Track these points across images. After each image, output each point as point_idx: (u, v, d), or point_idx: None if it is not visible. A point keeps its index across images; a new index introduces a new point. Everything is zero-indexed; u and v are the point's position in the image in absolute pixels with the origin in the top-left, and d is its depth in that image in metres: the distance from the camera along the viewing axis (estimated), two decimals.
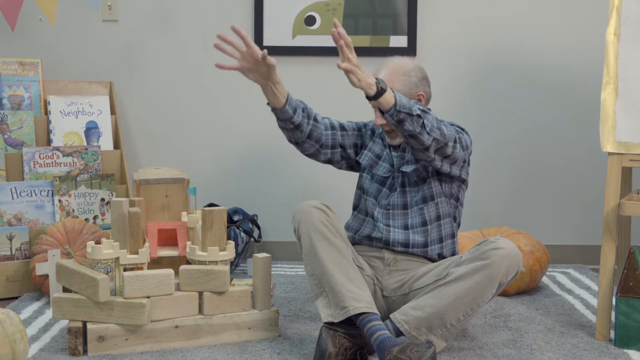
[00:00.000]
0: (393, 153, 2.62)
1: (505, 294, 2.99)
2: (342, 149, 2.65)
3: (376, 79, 2.27)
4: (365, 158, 2.65)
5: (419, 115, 2.30)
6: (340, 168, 2.73)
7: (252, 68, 2.42)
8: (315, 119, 2.57)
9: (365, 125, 2.71)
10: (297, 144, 2.58)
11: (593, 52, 3.49)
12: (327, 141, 2.61)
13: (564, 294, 3.04)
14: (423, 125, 2.31)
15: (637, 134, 2.46)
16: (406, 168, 2.56)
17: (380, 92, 2.26)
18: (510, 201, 3.64)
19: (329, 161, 2.66)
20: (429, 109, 2.45)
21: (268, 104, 2.50)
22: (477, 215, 3.59)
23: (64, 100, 3.41)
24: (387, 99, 2.27)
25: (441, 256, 2.56)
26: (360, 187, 2.68)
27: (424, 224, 2.54)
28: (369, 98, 2.29)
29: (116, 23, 3.59)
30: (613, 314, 2.60)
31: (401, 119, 2.29)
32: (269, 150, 3.64)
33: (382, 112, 2.31)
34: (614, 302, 2.60)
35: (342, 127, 2.66)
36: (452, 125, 2.51)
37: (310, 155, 2.63)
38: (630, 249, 2.40)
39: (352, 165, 2.72)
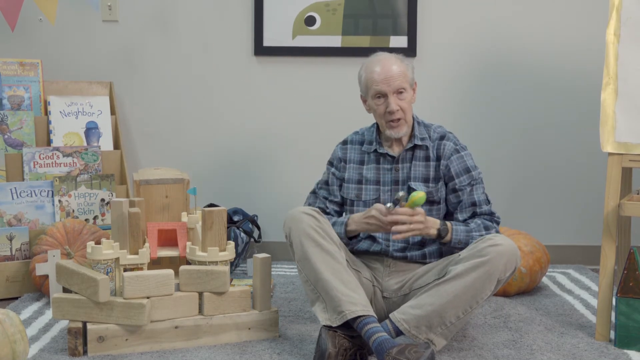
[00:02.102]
0: (382, 166, 2.58)
1: (505, 294, 2.99)
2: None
3: (439, 228, 2.45)
4: (350, 192, 2.61)
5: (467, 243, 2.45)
6: None
7: None
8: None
9: (334, 171, 2.66)
10: None
11: (593, 53, 3.48)
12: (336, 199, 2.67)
13: (564, 295, 3.04)
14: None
15: (637, 134, 2.46)
16: (416, 187, 2.54)
17: (439, 236, 2.45)
18: (510, 201, 3.63)
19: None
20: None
21: (350, 237, 2.55)
22: None
23: (64, 100, 3.41)
24: (445, 239, 2.46)
25: (442, 256, 2.56)
26: (346, 210, 2.65)
27: (422, 244, 2.55)
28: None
29: (116, 23, 3.59)
30: (613, 314, 2.60)
31: (457, 249, 2.48)
32: (268, 151, 3.64)
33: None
34: (614, 303, 2.60)
35: (341, 204, 2.68)
36: (487, 201, 2.58)
37: None
38: (630, 250, 2.40)
39: None
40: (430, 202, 2.53)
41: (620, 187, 2.54)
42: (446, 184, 2.55)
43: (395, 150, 2.58)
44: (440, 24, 3.56)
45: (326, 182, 2.66)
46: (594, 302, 2.91)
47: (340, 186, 2.64)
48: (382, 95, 2.51)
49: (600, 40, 3.35)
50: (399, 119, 2.51)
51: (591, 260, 3.58)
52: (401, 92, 2.50)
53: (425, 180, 2.54)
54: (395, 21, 3.52)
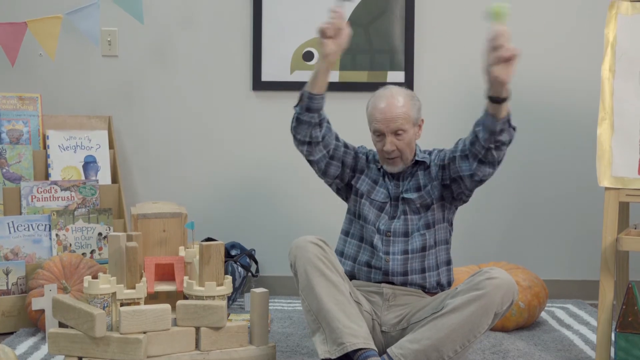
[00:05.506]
0: (387, 180, 2.63)
1: (503, 329, 2.98)
2: (342, 166, 2.65)
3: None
4: (363, 183, 2.65)
5: (512, 127, 2.34)
6: (329, 185, 2.71)
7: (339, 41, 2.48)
8: (329, 122, 2.59)
9: (358, 150, 2.71)
10: (310, 144, 2.55)
11: (589, 88, 3.51)
12: (334, 152, 2.61)
13: (563, 330, 3.03)
14: (511, 137, 2.35)
15: (633, 169, 2.47)
16: (409, 195, 2.56)
17: (509, 97, 2.26)
18: (508, 236, 3.63)
19: (325, 173, 2.63)
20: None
21: (302, 95, 2.53)
22: (475, 250, 3.59)
23: (62, 134, 3.42)
24: (507, 106, 2.28)
25: (439, 284, 2.56)
26: (354, 213, 2.67)
27: (423, 249, 2.54)
28: (495, 100, 2.25)
29: (116, 58, 3.62)
30: (612, 349, 2.59)
31: (504, 129, 2.30)
32: (266, 185, 3.64)
33: (490, 118, 2.28)
34: (613, 338, 2.59)
35: (345, 145, 2.67)
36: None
37: (314, 162, 2.60)
38: (628, 284, 2.39)
39: (341, 188, 2.71)
40: (425, 206, 2.56)
41: (618, 222, 2.55)
42: (443, 176, 2.56)
43: (397, 168, 2.61)
44: (437, 60, 3.59)
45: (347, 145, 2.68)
46: (593, 337, 2.89)
47: (350, 168, 2.66)
48: (380, 133, 2.53)
49: (596, 76, 3.38)
50: (394, 157, 2.54)
51: (590, 295, 3.56)
52: (399, 134, 2.52)
53: (417, 189, 2.57)
54: (392, 57, 3.56)
